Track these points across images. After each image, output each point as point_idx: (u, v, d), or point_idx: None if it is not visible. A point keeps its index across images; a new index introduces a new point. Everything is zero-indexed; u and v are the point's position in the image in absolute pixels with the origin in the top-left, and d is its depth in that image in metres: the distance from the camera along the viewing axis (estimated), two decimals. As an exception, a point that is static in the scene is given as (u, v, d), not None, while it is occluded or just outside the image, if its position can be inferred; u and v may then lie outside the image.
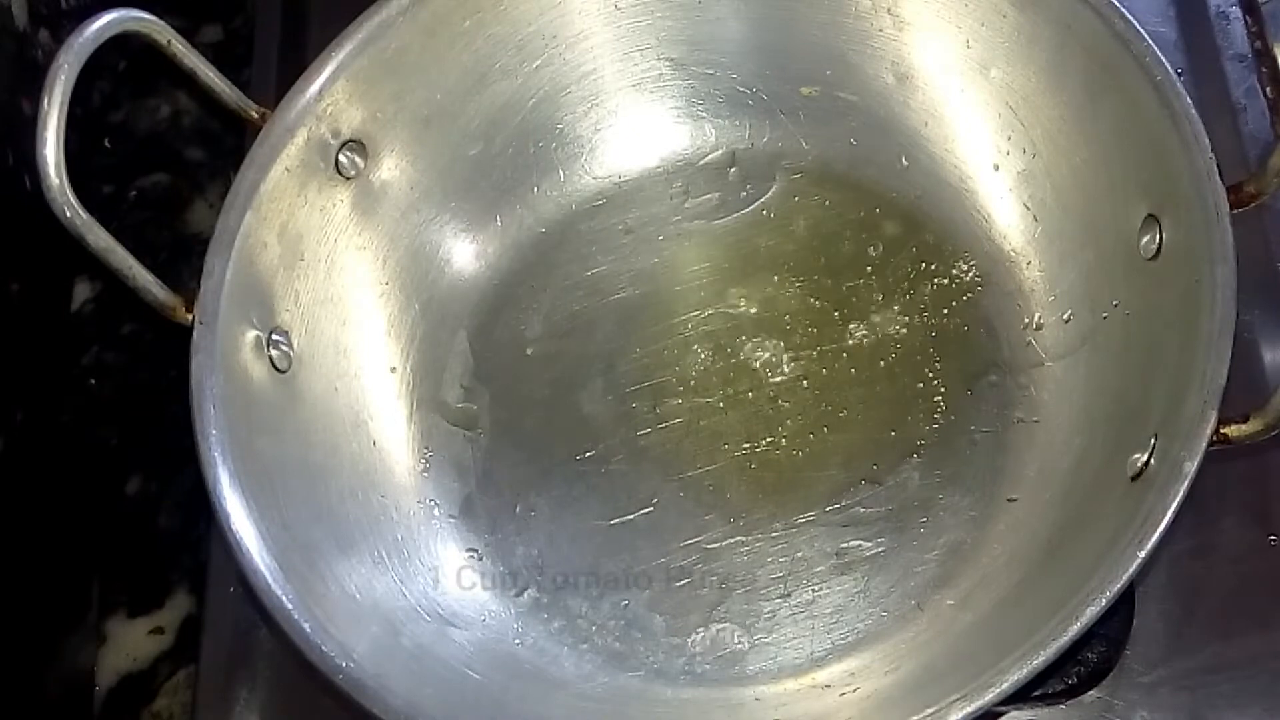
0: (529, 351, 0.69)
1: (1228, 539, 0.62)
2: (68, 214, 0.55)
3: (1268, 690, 0.59)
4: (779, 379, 0.67)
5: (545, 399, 0.68)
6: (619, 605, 0.62)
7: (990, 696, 0.49)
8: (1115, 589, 0.49)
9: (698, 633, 0.61)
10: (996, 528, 0.61)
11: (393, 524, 0.63)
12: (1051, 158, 0.65)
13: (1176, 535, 0.52)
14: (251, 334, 0.60)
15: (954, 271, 0.68)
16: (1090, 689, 0.59)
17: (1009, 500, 0.62)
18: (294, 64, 0.67)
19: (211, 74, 0.62)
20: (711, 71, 0.71)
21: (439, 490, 0.65)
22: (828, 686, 0.59)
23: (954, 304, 0.67)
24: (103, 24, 0.56)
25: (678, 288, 0.70)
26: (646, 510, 0.64)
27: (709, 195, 0.71)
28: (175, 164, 0.80)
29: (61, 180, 0.55)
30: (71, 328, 0.76)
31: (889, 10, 0.67)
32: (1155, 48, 0.58)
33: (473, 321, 0.69)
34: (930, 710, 0.49)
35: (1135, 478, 0.54)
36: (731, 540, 0.63)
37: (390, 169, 0.67)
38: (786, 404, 0.66)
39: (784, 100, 0.71)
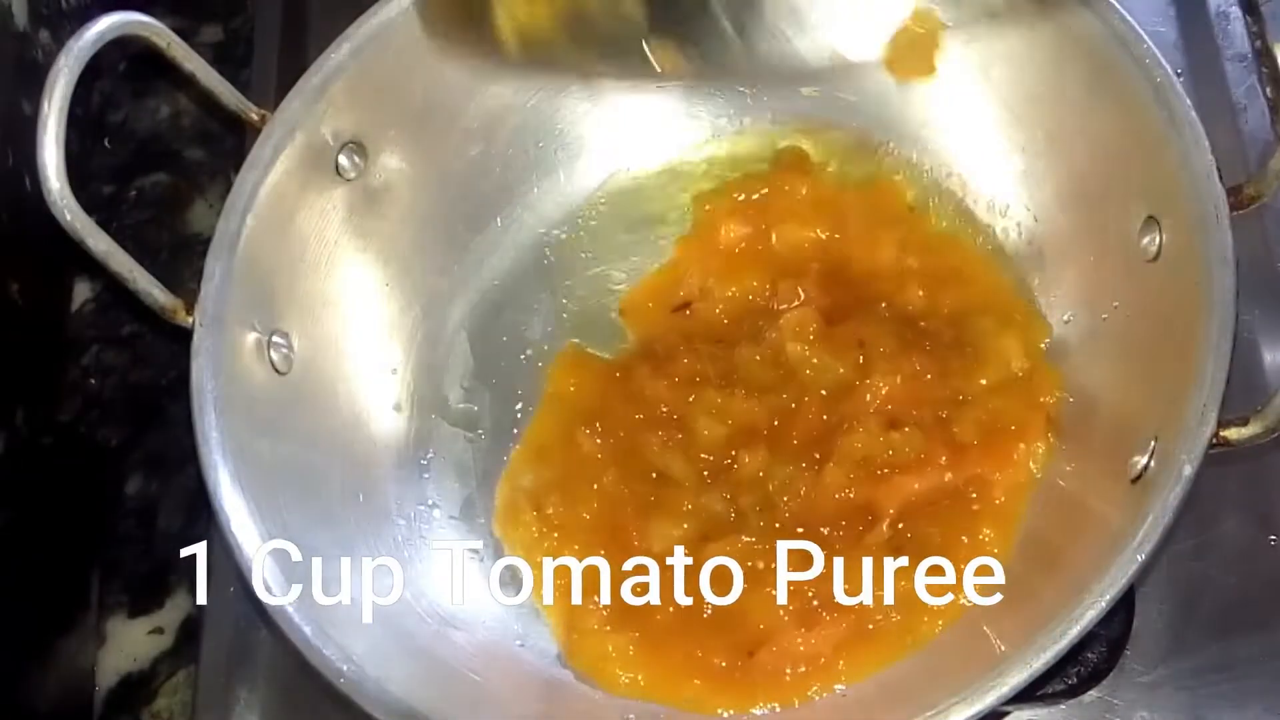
0: (529, 351, 0.69)
1: (1228, 539, 0.62)
2: (68, 217, 0.55)
3: (1268, 690, 0.59)
4: (778, 378, 0.66)
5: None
6: (619, 605, 0.62)
7: (991, 697, 0.49)
8: (1115, 591, 0.49)
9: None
10: (997, 528, 0.61)
11: (393, 524, 0.63)
12: (1051, 158, 0.64)
13: (1176, 535, 0.52)
14: (252, 336, 0.60)
15: (954, 272, 0.67)
16: (1090, 689, 0.59)
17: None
18: (294, 64, 0.68)
19: (211, 77, 0.62)
20: (712, 71, 0.71)
21: (439, 490, 0.65)
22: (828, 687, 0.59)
23: (955, 305, 0.67)
24: (103, 27, 0.56)
25: (677, 288, 0.70)
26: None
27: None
28: (175, 164, 0.80)
29: (62, 184, 0.55)
30: (71, 328, 0.76)
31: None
32: (1155, 48, 0.58)
33: (473, 321, 0.69)
34: (930, 710, 0.50)
35: (1135, 480, 0.54)
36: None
37: (390, 169, 0.66)
38: (786, 403, 0.66)
39: (784, 100, 0.71)
